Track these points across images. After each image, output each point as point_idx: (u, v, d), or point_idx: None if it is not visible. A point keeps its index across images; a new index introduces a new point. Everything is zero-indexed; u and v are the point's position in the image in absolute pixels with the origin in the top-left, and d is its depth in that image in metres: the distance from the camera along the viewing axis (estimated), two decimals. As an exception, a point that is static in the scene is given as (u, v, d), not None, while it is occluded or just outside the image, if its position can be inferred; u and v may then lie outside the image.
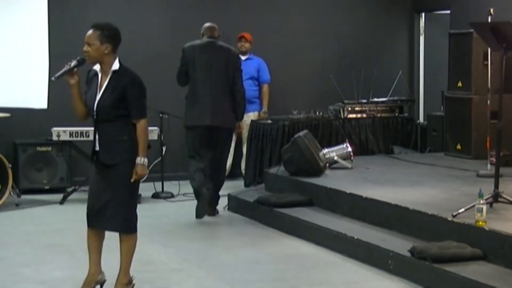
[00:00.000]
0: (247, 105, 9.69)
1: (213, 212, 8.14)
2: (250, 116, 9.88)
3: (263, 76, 10.16)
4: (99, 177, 5.15)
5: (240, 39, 9.99)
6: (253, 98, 10.01)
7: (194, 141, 7.97)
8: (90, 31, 5.01)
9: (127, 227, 5.15)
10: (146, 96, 5.10)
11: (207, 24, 8.23)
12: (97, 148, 5.12)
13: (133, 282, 5.26)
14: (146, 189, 9.32)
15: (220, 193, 9.00)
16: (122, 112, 4.99)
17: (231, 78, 7.96)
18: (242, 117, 8.20)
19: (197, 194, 8.03)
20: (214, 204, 8.15)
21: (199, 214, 7.97)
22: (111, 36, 5.01)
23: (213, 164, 8.06)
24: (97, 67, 5.09)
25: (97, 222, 5.17)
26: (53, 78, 5.04)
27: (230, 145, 8.39)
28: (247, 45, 10.00)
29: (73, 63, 5.03)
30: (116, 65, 5.02)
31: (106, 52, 4.99)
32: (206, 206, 8.01)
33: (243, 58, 9.97)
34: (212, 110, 7.84)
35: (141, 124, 5.01)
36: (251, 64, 10.03)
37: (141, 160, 4.99)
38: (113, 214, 5.09)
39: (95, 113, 5.05)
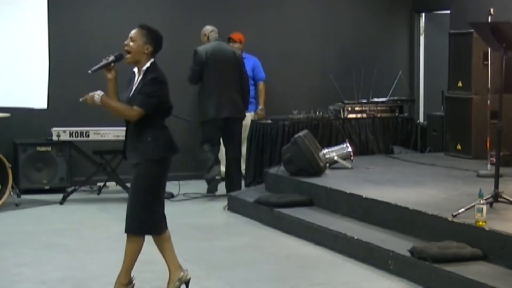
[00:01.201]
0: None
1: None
2: (248, 116, 9.88)
3: (258, 74, 10.10)
4: (131, 178, 5.19)
5: (228, 40, 9.90)
6: (251, 98, 9.97)
7: (211, 133, 9.00)
8: (135, 29, 5.09)
9: (133, 228, 5.13)
10: (160, 97, 5.05)
11: (210, 28, 9.20)
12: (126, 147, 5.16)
13: (133, 282, 5.26)
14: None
15: (220, 193, 9.06)
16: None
17: (238, 75, 9.05)
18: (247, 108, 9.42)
19: (209, 170, 9.08)
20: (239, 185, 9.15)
21: (212, 190, 9.16)
22: (155, 39, 5.13)
23: (231, 155, 9.17)
24: (136, 69, 5.16)
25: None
26: (89, 71, 5.11)
27: (241, 134, 9.32)
28: (236, 45, 9.89)
29: (111, 58, 5.08)
30: (147, 65, 5.07)
31: (146, 51, 5.06)
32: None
33: None
34: (228, 103, 8.93)
35: (130, 110, 4.96)
36: (245, 64, 9.96)
37: (98, 93, 4.99)
38: (127, 214, 5.11)
39: None
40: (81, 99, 5.10)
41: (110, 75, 5.08)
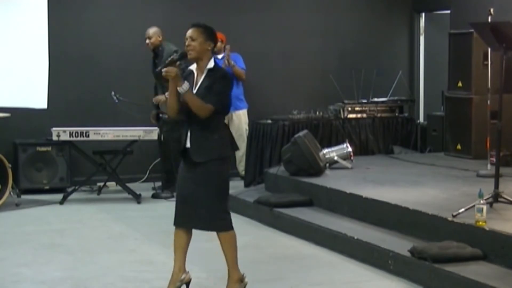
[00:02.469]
0: (238, 103, 9.75)
1: None
2: (240, 115, 9.88)
3: (241, 65, 9.95)
4: (188, 176, 5.16)
5: None
6: (240, 95, 9.94)
7: None
8: (191, 29, 5.11)
9: (222, 226, 5.17)
10: (229, 95, 5.11)
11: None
12: (188, 145, 5.12)
13: (245, 280, 5.28)
14: (146, 189, 9.34)
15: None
16: None
17: None
18: None
19: None
20: None
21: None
22: (213, 35, 5.16)
23: None
24: (193, 66, 5.17)
25: (187, 223, 5.20)
26: (157, 70, 5.12)
27: None
28: (217, 44, 9.85)
29: (176, 56, 5.11)
30: (211, 64, 5.10)
31: (209, 48, 5.11)
32: None
33: (219, 57, 9.89)
34: None
35: (208, 107, 4.97)
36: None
37: (187, 84, 4.98)
38: (205, 214, 5.11)
39: (187, 110, 5.06)
40: (165, 71, 4.99)
41: (173, 74, 5.08)
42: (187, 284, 5.33)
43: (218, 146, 5.08)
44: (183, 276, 5.30)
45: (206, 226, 5.19)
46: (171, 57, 5.14)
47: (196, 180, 5.09)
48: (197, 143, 5.08)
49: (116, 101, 8.98)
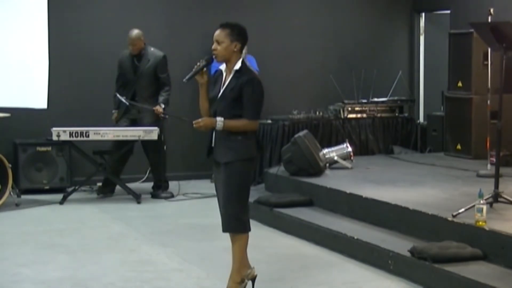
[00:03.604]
0: None
1: None
2: None
3: (254, 68, 9.92)
4: (216, 177, 5.19)
5: None
6: None
7: None
8: (218, 30, 5.03)
9: (238, 227, 5.13)
10: (262, 99, 5.07)
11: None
12: (213, 145, 5.12)
13: (246, 281, 5.24)
14: (146, 189, 9.34)
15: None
16: (238, 112, 5.00)
17: None
18: None
19: None
20: None
21: None
22: (240, 34, 5.06)
23: None
24: (223, 66, 5.13)
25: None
26: (184, 80, 5.09)
27: None
28: None
29: (202, 63, 5.06)
30: (238, 65, 5.05)
31: (235, 50, 5.03)
32: None
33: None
34: None
35: (251, 123, 4.99)
36: None
37: (220, 119, 4.97)
38: (224, 213, 5.11)
39: (213, 110, 5.06)
40: (195, 125, 5.02)
41: (202, 80, 5.07)
42: (253, 280, 5.25)
43: (242, 147, 5.04)
44: (248, 271, 5.23)
45: (224, 227, 5.16)
46: (198, 64, 5.05)
47: (221, 180, 5.10)
48: (221, 143, 5.07)
49: (127, 104, 8.95)
